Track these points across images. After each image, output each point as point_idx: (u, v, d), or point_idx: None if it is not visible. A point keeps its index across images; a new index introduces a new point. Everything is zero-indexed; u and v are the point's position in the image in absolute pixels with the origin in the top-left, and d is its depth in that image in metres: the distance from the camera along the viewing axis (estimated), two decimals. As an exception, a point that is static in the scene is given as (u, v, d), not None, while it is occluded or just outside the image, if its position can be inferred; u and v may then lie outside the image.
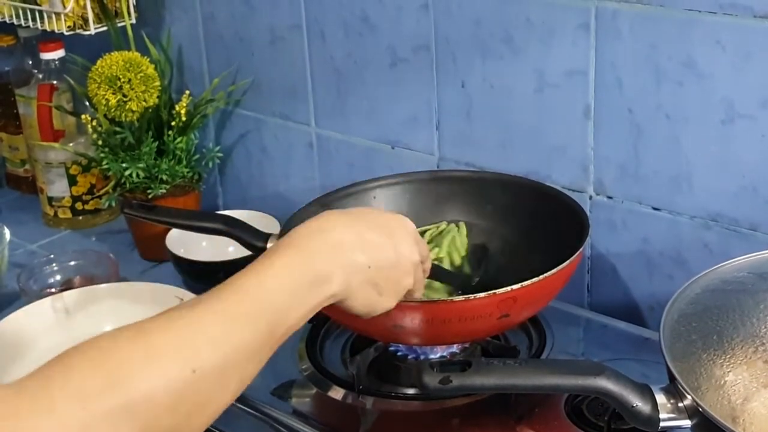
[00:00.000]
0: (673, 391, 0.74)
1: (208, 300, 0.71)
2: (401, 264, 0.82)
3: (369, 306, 0.81)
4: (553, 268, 0.93)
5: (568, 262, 0.94)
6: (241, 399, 0.97)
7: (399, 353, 1.00)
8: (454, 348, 1.00)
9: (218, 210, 1.47)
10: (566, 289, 0.99)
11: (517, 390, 0.75)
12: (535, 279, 0.91)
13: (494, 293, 0.90)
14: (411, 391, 0.97)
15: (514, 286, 0.90)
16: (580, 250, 0.96)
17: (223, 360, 0.68)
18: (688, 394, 0.73)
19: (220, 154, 1.45)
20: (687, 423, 0.74)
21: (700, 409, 0.71)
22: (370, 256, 0.80)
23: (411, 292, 0.86)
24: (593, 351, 1.06)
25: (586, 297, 1.18)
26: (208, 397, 0.67)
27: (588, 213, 1.10)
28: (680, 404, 0.74)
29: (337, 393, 0.98)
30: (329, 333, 1.07)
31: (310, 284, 0.76)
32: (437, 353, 1.00)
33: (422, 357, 0.99)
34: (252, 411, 0.97)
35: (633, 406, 0.74)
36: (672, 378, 0.75)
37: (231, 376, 0.68)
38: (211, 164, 1.45)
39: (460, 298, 0.90)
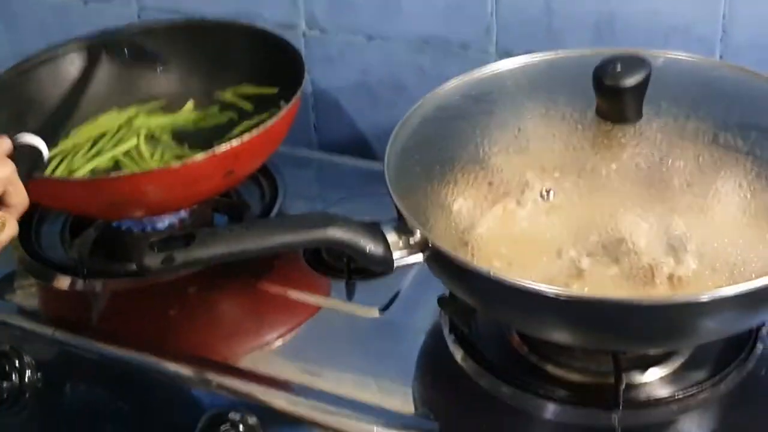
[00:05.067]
0: (403, 227, 0.74)
1: None
2: None
3: None
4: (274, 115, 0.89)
5: (286, 108, 0.90)
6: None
7: (124, 228, 0.94)
8: (183, 213, 0.95)
9: None
10: (292, 132, 0.96)
11: (248, 255, 0.71)
12: (254, 132, 0.87)
13: (213, 153, 0.85)
14: (143, 265, 0.92)
15: (233, 142, 0.86)
16: (297, 94, 0.92)
17: None
18: (417, 229, 0.72)
19: None
20: (420, 257, 0.74)
21: (430, 243, 0.71)
22: None
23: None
24: (327, 191, 1.04)
25: (314, 136, 1.16)
26: None
27: (303, 50, 1.06)
28: (411, 240, 0.73)
29: (62, 281, 0.91)
30: (44, 217, 0.99)
31: None
32: (165, 221, 0.95)
33: (149, 228, 0.94)
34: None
35: (366, 251, 0.73)
36: (400, 214, 0.74)
37: None
38: None
39: (178, 163, 0.84)
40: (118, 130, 1.00)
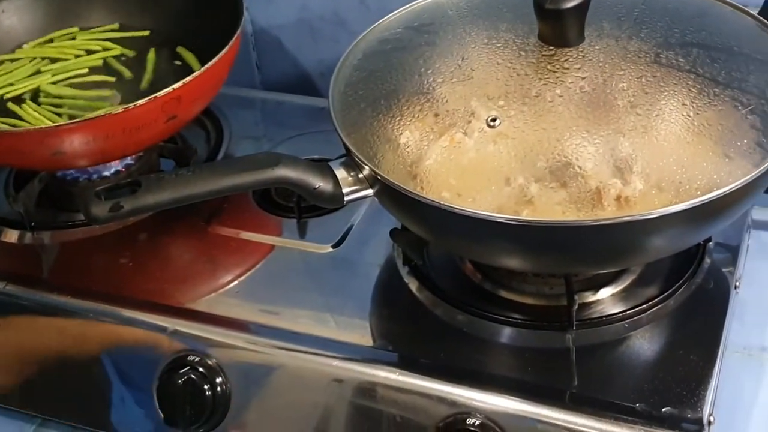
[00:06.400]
0: (351, 163, 0.74)
1: None
2: None
3: None
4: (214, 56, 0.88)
5: (226, 48, 0.89)
6: None
7: (69, 177, 0.93)
8: (129, 159, 0.94)
9: None
10: (235, 72, 0.95)
11: (196, 199, 0.71)
12: (195, 73, 0.86)
13: (155, 97, 0.83)
14: (90, 215, 0.91)
15: (175, 86, 0.84)
16: (237, 32, 0.91)
17: None
18: (365, 164, 0.72)
19: None
20: (370, 192, 0.74)
21: (379, 177, 0.71)
22: None
23: None
24: (273, 131, 1.03)
25: (257, 76, 1.15)
26: None
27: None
28: (360, 175, 0.73)
29: (10, 236, 0.90)
30: (-15, 173, 0.97)
31: None
32: (111, 169, 0.94)
33: (95, 176, 0.93)
34: None
35: (315, 188, 0.73)
36: (348, 150, 0.74)
37: None
38: None
39: (119, 109, 0.83)
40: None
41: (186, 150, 0.97)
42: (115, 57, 1.02)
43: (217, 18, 0.97)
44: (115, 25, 1.05)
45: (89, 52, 1.02)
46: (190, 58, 1.00)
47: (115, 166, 0.94)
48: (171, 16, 1.03)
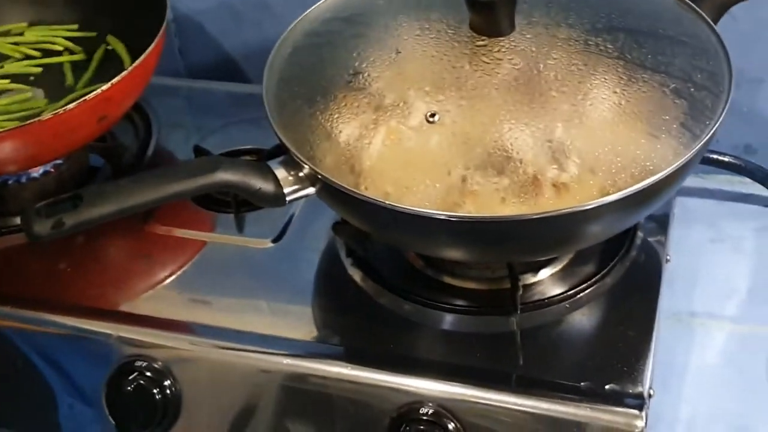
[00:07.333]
0: (291, 162, 0.74)
1: None
2: None
3: None
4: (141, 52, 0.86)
5: (153, 44, 0.87)
6: None
7: (-2, 182, 0.91)
8: (60, 160, 0.92)
9: None
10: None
11: (140, 209, 0.70)
12: (123, 73, 0.84)
13: (84, 100, 0.82)
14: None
15: (104, 87, 0.83)
16: (162, 28, 0.89)
17: None
18: (305, 164, 0.72)
19: None
20: (312, 190, 0.74)
21: (320, 176, 0.71)
22: None
23: None
24: (203, 120, 1.02)
25: (180, 63, 1.13)
26: None
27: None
28: (300, 174, 0.73)
29: (-63, 246, 0.88)
30: None
31: None
32: (40, 170, 0.92)
33: (24, 179, 0.91)
34: None
35: (257, 190, 0.73)
36: (287, 150, 0.74)
37: None
38: None
39: (48, 115, 0.81)
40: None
41: (116, 147, 0.95)
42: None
43: (141, 9, 0.96)
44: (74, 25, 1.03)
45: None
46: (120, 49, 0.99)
47: (44, 167, 0.92)
48: (94, 12, 1.01)
